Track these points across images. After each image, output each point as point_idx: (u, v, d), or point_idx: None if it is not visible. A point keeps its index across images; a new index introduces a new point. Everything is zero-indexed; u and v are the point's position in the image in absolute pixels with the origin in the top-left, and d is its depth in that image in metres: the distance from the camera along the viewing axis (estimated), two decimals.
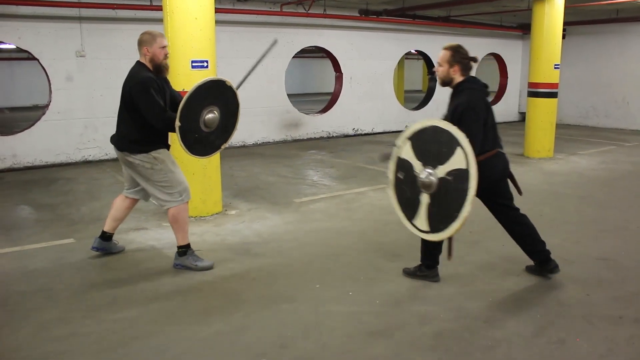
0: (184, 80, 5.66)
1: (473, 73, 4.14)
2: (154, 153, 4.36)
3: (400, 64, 16.75)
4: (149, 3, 9.64)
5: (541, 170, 8.63)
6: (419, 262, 4.31)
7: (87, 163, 9.64)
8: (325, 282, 4.22)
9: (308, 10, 10.75)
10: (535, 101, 9.62)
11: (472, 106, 3.85)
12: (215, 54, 5.91)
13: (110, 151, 9.72)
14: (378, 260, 4.69)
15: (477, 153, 3.59)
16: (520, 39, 15.80)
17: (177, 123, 4.08)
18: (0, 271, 4.56)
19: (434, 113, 14.37)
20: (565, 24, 14.66)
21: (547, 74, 9.43)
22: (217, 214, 6.08)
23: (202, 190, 5.93)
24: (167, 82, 4.47)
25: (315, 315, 3.66)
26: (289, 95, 12.06)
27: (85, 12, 9.41)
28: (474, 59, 4.07)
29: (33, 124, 9.47)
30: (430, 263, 4.25)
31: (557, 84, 9.53)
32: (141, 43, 4.33)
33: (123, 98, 4.33)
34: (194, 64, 5.66)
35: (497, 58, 15.50)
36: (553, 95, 9.52)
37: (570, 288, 4.10)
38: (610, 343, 3.28)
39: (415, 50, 14.24)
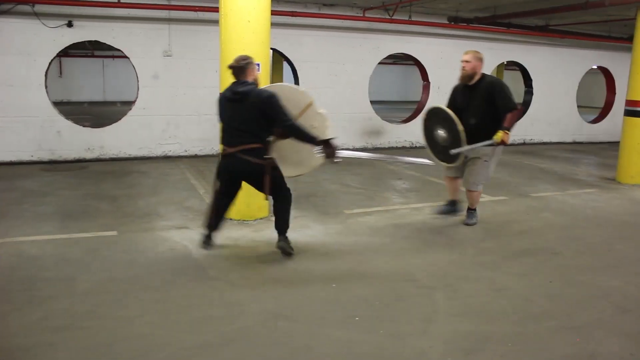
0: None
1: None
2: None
3: (499, 75, 15.92)
4: None
5: (630, 199, 7.78)
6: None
7: (166, 158, 10.00)
8: (338, 302, 4.00)
9: (392, 16, 10.47)
10: (634, 121, 8.72)
11: None
12: (269, 58, 5.86)
13: (189, 148, 10.04)
14: (402, 285, 4.38)
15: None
16: (631, 52, 14.40)
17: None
18: (40, 256, 4.80)
19: (528, 127, 13.55)
20: None
21: None
22: (261, 218, 6.02)
23: (247, 194, 5.84)
24: None
25: (309, 338, 3.46)
26: (387, 103, 11.86)
27: (175, 14, 9.78)
28: None
29: (120, 118, 9.98)
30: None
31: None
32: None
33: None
34: None
35: (605, 72, 14.29)
36: None
37: (614, 342, 3.57)
38: None
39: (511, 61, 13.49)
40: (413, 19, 11.12)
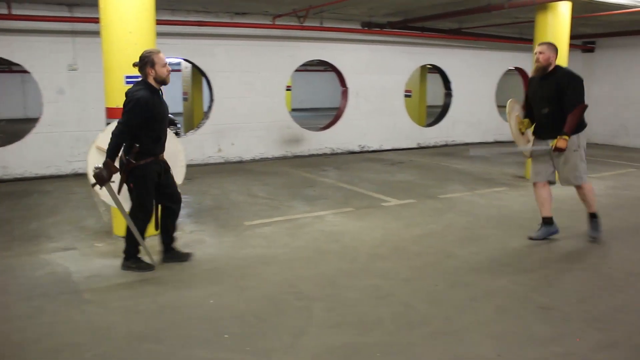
0: (119, 95, 5.44)
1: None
2: None
3: (423, 78, 16.16)
4: None
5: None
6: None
7: (76, 176, 9.60)
8: (211, 320, 3.85)
9: (303, 23, 10.43)
10: None
11: None
12: None
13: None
14: (283, 298, 4.27)
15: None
16: None
17: None
18: None
19: (449, 129, 13.78)
20: (594, 35, 13.83)
21: None
22: (155, 235, 5.80)
23: None
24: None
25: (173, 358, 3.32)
26: (319, 110, 11.79)
27: (79, 26, 9.43)
28: None
29: (24, 137, 9.54)
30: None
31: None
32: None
33: None
34: (128, 80, 5.41)
35: (521, 72, 14.70)
36: None
37: (485, 344, 3.56)
38: None
39: (430, 65, 13.71)
40: (326, 25, 11.13)
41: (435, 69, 13.89)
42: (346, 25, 11.45)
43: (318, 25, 11.00)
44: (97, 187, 4.52)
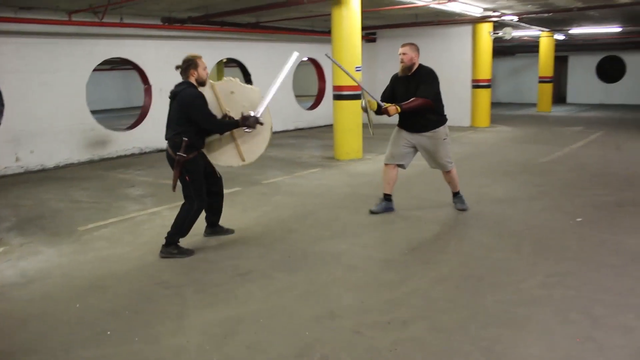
0: None
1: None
2: None
3: (220, 71, 16.46)
4: None
5: (347, 173, 8.78)
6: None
7: None
8: (85, 322, 3.75)
9: (102, 19, 10.03)
10: (341, 104, 9.81)
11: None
12: None
13: None
14: (150, 289, 4.31)
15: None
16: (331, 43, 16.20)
17: None
18: None
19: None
20: (375, 27, 15.41)
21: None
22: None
23: None
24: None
25: None
26: (111, 111, 11.23)
27: None
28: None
29: None
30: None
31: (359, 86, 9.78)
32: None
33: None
34: None
35: (314, 62, 15.77)
36: (356, 97, 9.73)
37: (348, 296, 4.03)
38: None
39: (228, 58, 14.05)
40: (125, 21, 10.83)
41: (235, 62, 14.25)
42: (147, 21, 11.25)
43: (118, 21, 10.64)
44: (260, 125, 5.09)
